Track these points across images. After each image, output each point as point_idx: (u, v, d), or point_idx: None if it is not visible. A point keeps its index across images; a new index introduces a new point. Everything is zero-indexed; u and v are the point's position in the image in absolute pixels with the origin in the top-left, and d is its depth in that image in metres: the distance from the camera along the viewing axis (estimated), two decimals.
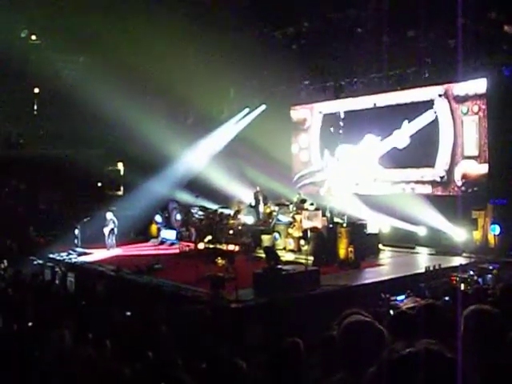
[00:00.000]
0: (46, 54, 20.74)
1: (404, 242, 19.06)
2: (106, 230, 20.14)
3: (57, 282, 15.93)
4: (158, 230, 22.57)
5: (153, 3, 19.00)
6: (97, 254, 19.36)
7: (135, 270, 16.14)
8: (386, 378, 1.87)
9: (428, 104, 19.14)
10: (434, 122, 19.00)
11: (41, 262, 18.34)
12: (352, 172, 21.76)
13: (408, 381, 1.84)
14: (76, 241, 19.98)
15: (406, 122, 19.74)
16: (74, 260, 18.70)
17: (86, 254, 19.39)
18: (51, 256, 18.99)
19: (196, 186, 22.80)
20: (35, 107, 24.88)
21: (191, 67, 20.69)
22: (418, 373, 1.81)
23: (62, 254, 19.21)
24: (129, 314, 11.09)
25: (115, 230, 20.28)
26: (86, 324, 8.49)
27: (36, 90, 24.43)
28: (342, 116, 21.17)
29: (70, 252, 19.38)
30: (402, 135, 19.91)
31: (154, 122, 21.49)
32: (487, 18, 16.30)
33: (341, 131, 21.26)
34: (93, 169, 23.43)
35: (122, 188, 25.93)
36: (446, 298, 9.03)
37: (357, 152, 21.44)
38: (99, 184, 25.83)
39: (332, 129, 21.56)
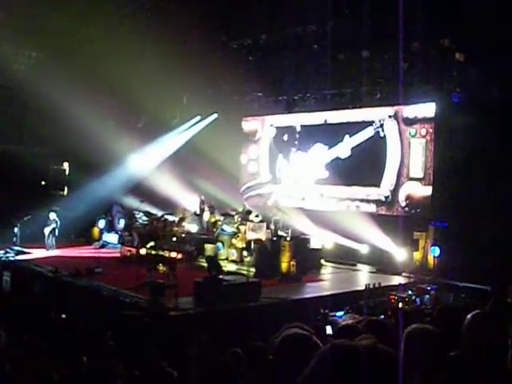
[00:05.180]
0: None
1: (346, 258, 19.26)
2: (47, 230, 19.72)
3: None
4: (100, 233, 22.21)
5: (111, 5, 18.81)
6: (35, 254, 18.91)
7: (74, 272, 15.81)
8: (327, 369, 1.84)
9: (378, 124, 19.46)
10: (382, 142, 19.30)
11: None
12: (299, 185, 21.92)
13: (351, 373, 1.80)
14: (15, 239, 19.48)
15: (347, 136, 20.19)
16: (11, 258, 18.22)
17: (24, 253, 18.91)
18: None
19: (141, 190, 22.57)
20: None
21: (146, 70, 20.51)
22: (362, 365, 1.78)
23: None
24: (64, 316, 10.89)
25: (56, 230, 19.88)
26: (20, 325, 8.28)
27: None
28: (298, 129, 21.52)
29: (8, 250, 18.84)
30: (344, 147, 20.33)
31: (104, 123, 21.19)
32: (440, 44, 16.69)
33: (296, 142, 21.57)
34: (37, 167, 22.93)
35: (66, 188, 25.47)
36: (382, 317, 9.14)
37: (306, 159, 21.70)
38: (43, 182, 25.29)
39: (286, 137, 21.85)
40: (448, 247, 16.66)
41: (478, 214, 15.75)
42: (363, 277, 17.71)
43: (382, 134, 19.39)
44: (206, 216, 20.46)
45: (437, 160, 17.77)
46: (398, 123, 18.92)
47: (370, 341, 1.92)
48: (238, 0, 19.81)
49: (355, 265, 19.01)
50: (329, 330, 9.06)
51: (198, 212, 20.88)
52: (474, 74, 16.52)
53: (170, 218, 20.76)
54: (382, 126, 19.40)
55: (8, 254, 18.55)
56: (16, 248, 19.10)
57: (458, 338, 3.72)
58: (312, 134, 21.44)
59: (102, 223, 22.29)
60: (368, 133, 19.71)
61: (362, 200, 19.90)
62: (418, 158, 18.34)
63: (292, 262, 16.69)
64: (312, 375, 1.88)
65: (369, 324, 4.34)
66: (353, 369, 1.79)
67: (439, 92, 17.65)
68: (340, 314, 12.05)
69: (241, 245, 18.07)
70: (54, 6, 18.02)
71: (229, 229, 19.13)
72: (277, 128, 22.92)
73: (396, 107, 18.94)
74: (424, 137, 18.20)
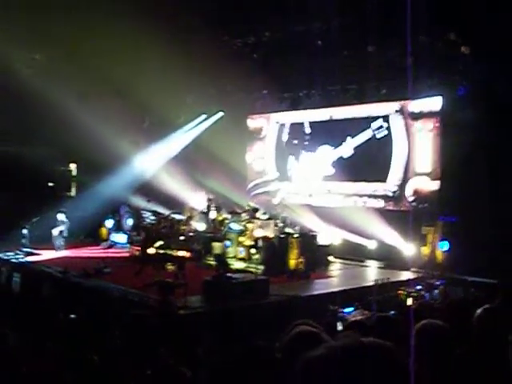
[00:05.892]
0: None
1: (354, 254, 19.22)
2: (56, 231, 19.81)
3: (2, 281, 15.57)
4: (109, 233, 22.28)
5: (114, 5, 18.77)
6: (45, 255, 18.99)
7: (83, 272, 15.86)
8: (334, 365, 1.78)
9: (384, 119, 19.42)
10: (387, 138, 19.25)
11: None
12: (306, 182, 21.90)
13: (356, 372, 1.75)
14: (24, 241, 19.55)
15: (349, 137, 20.25)
16: (20, 260, 18.30)
17: (33, 254, 19.00)
18: None
19: (149, 190, 22.61)
20: None
21: (151, 71, 20.51)
22: (367, 365, 1.73)
23: (9, 253, 18.78)
24: (73, 317, 10.89)
25: (65, 231, 19.96)
26: (29, 325, 8.30)
27: None
28: (308, 131, 21.53)
29: (17, 252, 18.95)
30: (347, 147, 20.37)
31: (110, 124, 21.20)
32: (446, 38, 16.60)
33: (306, 142, 21.58)
34: (45, 168, 22.99)
35: (73, 189, 25.54)
36: (392, 312, 9.10)
37: (313, 159, 21.70)
38: (50, 184, 25.36)
39: (296, 141, 21.86)
40: (457, 242, 16.58)
41: (486, 208, 15.68)
42: (372, 272, 17.69)
43: (378, 136, 19.45)
44: (214, 214, 20.45)
45: (444, 154, 17.70)
46: (405, 118, 18.86)
47: (352, 338, 1.86)
48: None
49: (363, 261, 18.98)
50: (340, 326, 9.05)
51: (205, 210, 20.87)
52: (481, 67, 16.44)
53: (178, 216, 20.79)
54: (378, 128, 19.41)
55: (18, 256, 18.67)
56: (25, 249, 19.18)
57: (468, 332, 3.71)
58: (319, 135, 21.41)
59: (110, 223, 22.36)
60: (367, 135, 19.72)
61: (369, 196, 19.85)
62: (425, 153, 18.28)
63: (300, 259, 16.69)
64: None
65: (378, 320, 4.33)
66: (347, 369, 1.74)
67: (445, 86, 17.57)
68: (349, 310, 12.04)
69: (248, 242, 18.04)
70: (60, 9, 18.02)
71: (236, 227, 19.10)
72: (282, 125, 22.90)
73: (402, 102, 18.88)
74: (431, 131, 18.14)
